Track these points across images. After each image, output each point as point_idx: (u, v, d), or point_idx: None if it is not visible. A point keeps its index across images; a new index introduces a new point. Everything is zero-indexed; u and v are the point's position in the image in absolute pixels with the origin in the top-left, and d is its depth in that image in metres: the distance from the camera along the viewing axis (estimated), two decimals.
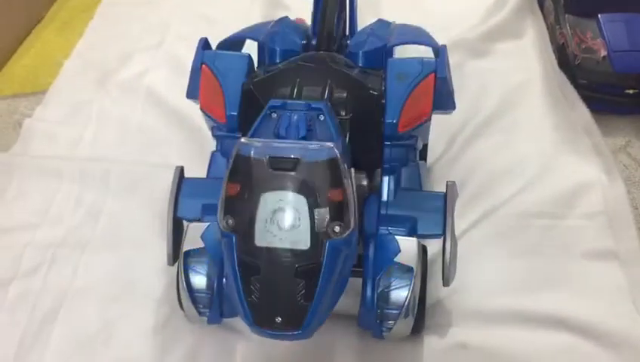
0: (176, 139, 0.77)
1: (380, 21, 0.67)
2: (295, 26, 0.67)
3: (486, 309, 0.58)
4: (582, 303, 0.58)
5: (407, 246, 0.52)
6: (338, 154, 0.46)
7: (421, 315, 0.54)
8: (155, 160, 0.74)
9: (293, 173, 0.45)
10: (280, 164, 0.45)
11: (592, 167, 0.69)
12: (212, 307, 0.52)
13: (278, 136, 0.49)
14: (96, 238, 0.67)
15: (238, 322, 0.57)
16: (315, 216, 0.45)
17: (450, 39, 0.66)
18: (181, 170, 0.58)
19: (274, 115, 0.50)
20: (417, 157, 0.60)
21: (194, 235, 0.53)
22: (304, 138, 0.48)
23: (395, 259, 0.51)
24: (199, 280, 0.52)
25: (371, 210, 0.55)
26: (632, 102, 0.74)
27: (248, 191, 0.46)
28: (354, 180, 0.48)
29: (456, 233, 0.57)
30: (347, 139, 0.53)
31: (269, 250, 0.45)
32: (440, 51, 0.58)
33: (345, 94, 0.54)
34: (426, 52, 0.63)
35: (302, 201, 0.45)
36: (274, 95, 0.53)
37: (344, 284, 0.48)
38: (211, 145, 0.62)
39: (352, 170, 0.50)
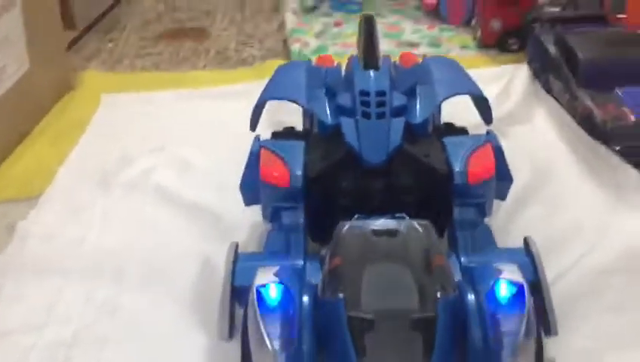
0: (196, 230, 0.69)
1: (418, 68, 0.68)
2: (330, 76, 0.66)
3: None
4: None
5: (508, 268, 0.48)
6: (431, 226, 0.50)
7: None
8: (173, 251, 0.66)
9: (393, 239, 0.49)
10: (382, 233, 0.49)
11: None
12: (291, 351, 0.45)
13: None
14: (115, 334, 0.57)
15: None
16: (420, 280, 0.46)
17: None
18: (236, 245, 0.56)
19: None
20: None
21: (265, 274, 0.49)
22: None
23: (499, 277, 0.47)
24: (276, 320, 0.46)
25: (452, 263, 0.54)
26: None
27: (352, 263, 0.47)
28: None
29: None
30: None
31: (380, 311, 0.44)
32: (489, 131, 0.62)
33: (410, 182, 0.57)
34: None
35: (404, 269, 0.46)
36: (336, 189, 0.57)
37: (455, 357, 0.45)
38: (234, 235, 0.64)
39: None
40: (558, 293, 0.58)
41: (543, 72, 0.92)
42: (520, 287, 0.46)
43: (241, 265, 0.54)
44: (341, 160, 0.57)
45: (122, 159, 0.82)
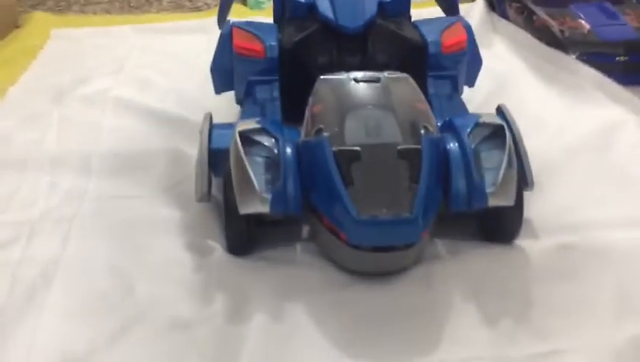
0: (161, 132, 0.67)
1: None
2: None
3: (569, 220, 0.53)
4: None
5: (487, 114, 0.50)
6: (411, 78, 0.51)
7: (519, 214, 0.49)
8: (139, 148, 0.64)
9: (374, 85, 0.48)
10: (363, 80, 0.49)
11: (616, 110, 0.67)
12: (276, 188, 0.45)
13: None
14: (84, 213, 0.54)
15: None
16: (403, 121, 0.46)
17: None
18: (211, 115, 0.55)
19: None
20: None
21: (247, 123, 0.49)
22: None
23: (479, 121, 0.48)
24: (260, 163, 0.46)
25: None
26: (622, 69, 0.75)
27: (335, 106, 0.47)
28: None
29: None
30: None
31: (365, 144, 0.44)
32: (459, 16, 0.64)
33: (386, 57, 0.57)
34: None
35: (386, 111, 0.46)
36: (312, 63, 0.56)
37: (439, 194, 0.46)
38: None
39: None
40: (533, 168, 0.59)
41: (500, 2, 0.94)
42: (499, 126, 0.47)
43: (217, 131, 0.52)
44: (316, 31, 0.57)
45: (78, 79, 0.79)
